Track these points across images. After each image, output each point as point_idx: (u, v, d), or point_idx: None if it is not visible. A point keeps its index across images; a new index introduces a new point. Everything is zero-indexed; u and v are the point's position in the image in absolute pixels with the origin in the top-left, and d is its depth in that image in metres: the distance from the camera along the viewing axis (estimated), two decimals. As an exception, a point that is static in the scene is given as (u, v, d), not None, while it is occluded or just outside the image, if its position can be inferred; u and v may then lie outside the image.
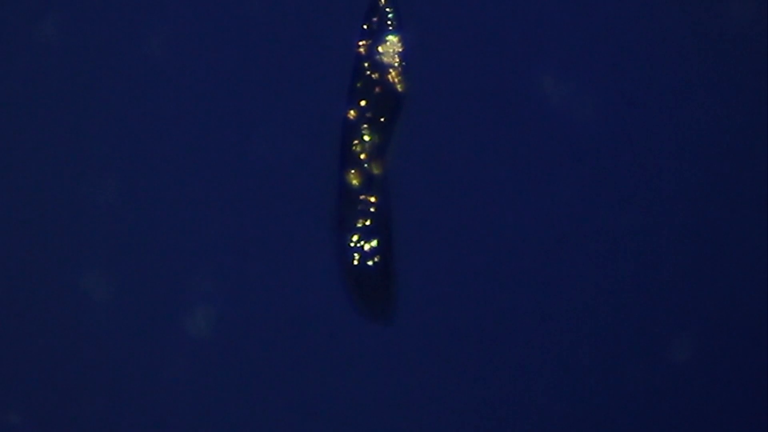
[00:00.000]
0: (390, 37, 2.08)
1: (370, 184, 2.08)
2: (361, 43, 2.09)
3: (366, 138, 2.06)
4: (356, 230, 2.08)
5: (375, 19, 2.09)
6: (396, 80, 2.07)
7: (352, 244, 2.07)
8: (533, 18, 2.15)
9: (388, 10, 2.08)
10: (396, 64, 2.07)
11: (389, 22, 2.08)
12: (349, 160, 2.07)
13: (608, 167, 2.14)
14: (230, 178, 2.14)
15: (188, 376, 2.13)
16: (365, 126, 2.07)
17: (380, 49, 2.07)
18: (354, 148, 2.07)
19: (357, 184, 2.07)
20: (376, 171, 2.07)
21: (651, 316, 2.13)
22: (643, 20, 2.15)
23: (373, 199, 2.07)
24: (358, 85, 2.07)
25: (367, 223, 2.07)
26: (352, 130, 2.07)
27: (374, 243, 2.08)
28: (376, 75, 2.07)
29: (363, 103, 2.07)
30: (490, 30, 2.14)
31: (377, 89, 2.07)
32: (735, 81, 2.14)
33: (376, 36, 2.08)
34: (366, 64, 2.07)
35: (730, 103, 2.14)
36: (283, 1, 2.14)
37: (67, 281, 2.12)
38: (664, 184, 2.14)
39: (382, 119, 2.07)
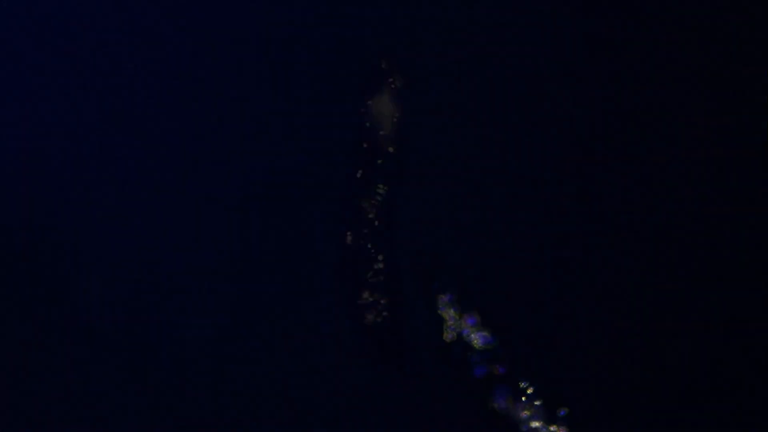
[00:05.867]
0: (386, 98, 2.10)
1: (378, 240, 2.09)
2: (368, 102, 2.11)
3: (374, 196, 2.08)
4: (367, 286, 2.09)
5: (382, 80, 2.11)
6: (392, 142, 2.09)
7: (361, 302, 2.09)
8: (533, 19, 2.16)
9: (390, 70, 2.11)
10: (393, 124, 2.10)
11: (390, 84, 2.11)
12: (357, 215, 2.09)
13: (608, 167, 2.14)
14: (233, 188, 2.15)
15: (187, 377, 2.13)
16: (373, 185, 2.09)
17: (380, 109, 2.09)
18: (362, 205, 2.08)
19: (366, 242, 2.09)
20: (384, 227, 2.09)
21: (651, 316, 2.13)
22: (643, 20, 2.15)
23: (381, 257, 2.09)
24: (364, 145, 2.09)
25: (379, 279, 2.09)
26: (360, 187, 2.09)
27: (385, 300, 2.09)
28: (381, 133, 2.09)
29: (378, 161, 2.09)
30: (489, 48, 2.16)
31: (384, 148, 2.09)
32: (735, 81, 2.15)
33: (378, 96, 2.10)
34: (369, 124, 2.10)
35: (730, 103, 2.15)
36: (288, 63, 2.15)
37: (67, 281, 2.13)
38: (665, 184, 2.14)
39: (388, 178, 2.09)
